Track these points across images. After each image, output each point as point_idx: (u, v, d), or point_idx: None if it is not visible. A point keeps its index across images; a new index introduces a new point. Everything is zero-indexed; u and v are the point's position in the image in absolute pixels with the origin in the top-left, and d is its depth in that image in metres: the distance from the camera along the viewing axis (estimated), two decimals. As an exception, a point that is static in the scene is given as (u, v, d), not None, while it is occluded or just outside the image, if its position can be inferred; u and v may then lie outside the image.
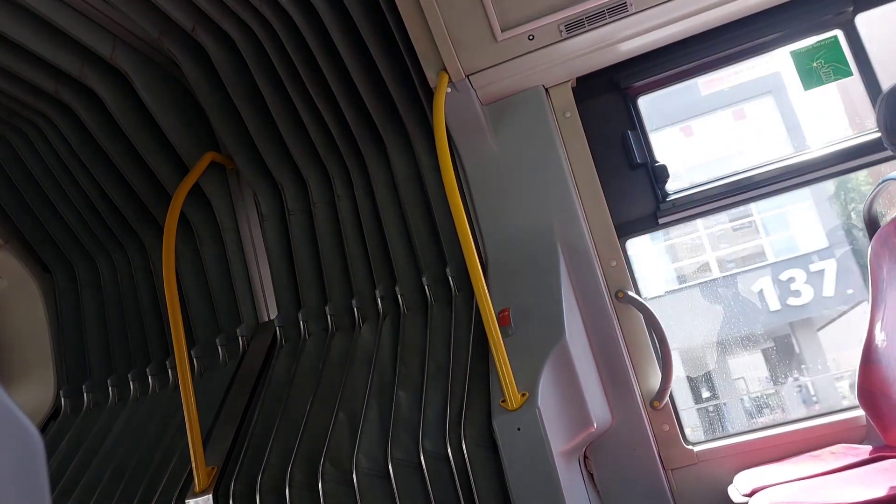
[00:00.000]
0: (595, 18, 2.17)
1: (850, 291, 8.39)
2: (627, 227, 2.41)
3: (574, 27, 2.18)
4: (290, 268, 2.69)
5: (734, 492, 1.99)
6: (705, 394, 8.02)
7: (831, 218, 8.98)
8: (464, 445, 1.88)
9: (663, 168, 2.42)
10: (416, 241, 2.48)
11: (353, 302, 2.51)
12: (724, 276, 9.12)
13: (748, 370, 8.34)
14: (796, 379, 8.66)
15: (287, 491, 2.03)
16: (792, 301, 8.73)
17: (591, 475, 2.16)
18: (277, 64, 2.43)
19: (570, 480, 1.89)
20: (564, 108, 2.43)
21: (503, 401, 1.85)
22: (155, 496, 2.23)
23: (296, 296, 2.65)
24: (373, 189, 2.58)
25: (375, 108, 2.48)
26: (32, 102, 2.53)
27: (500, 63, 2.25)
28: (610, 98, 2.49)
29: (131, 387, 2.80)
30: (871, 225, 2.14)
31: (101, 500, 2.37)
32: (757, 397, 8.28)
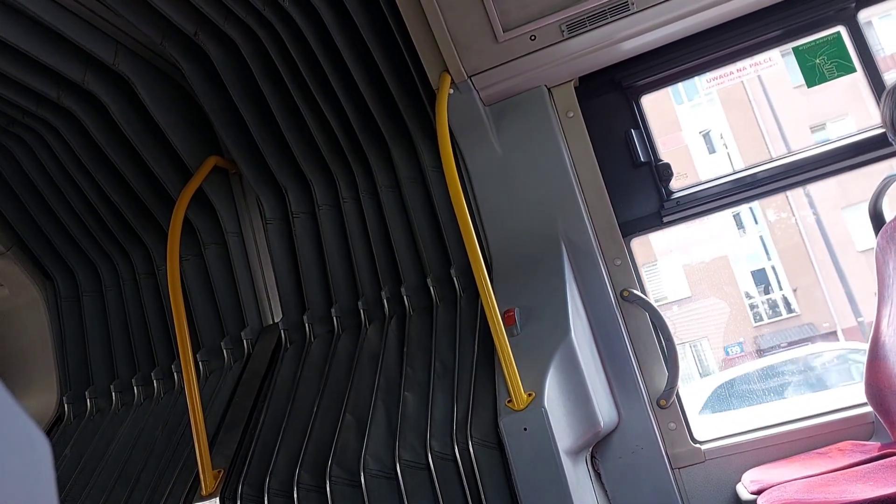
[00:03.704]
0: (596, 18, 2.17)
1: None
2: (631, 226, 2.40)
3: (575, 27, 2.18)
4: (294, 271, 2.69)
5: (742, 490, 1.99)
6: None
7: None
8: (470, 446, 1.88)
9: (667, 166, 2.41)
10: (420, 242, 2.48)
11: (360, 303, 2.51)
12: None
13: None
14: None
15: (295, 493, 2.03)
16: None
17: (598, 474, 2.15)
18: (280, 67, 2.44)
19: (577, 480, 1.89)
20: (567, 108, 2.43)
21: (509, 401, 1.85)
22: (162, 500, 2.24)
23: (300, 298, 2.66)
24: (377, 191, 2.58)
25: (378, 111, 2.48)
26: (34, 110, 2.54)
27: (502, 63, 2.25)
28: (612, 97, 2.49)
29: (135, 392, 2.81)
30: (877, 220, 2.13)
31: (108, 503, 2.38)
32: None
